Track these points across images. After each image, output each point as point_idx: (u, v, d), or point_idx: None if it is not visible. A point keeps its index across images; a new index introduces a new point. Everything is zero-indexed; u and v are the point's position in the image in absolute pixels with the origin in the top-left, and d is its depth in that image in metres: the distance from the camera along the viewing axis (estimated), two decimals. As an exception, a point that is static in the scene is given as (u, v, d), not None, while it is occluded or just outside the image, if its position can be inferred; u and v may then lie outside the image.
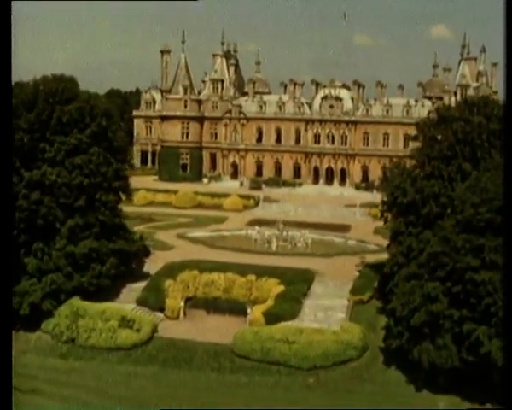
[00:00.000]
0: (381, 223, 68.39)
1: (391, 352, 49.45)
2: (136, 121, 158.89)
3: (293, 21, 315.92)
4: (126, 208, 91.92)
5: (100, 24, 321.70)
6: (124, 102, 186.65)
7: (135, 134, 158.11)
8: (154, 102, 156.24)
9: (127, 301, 60.64)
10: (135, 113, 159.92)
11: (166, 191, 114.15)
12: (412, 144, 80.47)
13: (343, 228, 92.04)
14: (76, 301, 57.56)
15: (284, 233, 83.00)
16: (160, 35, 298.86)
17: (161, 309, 60.00)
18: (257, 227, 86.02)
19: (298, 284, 61.14)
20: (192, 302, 61.65)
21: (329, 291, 61.75)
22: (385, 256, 62.46)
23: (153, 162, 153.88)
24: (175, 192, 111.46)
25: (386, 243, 65.48)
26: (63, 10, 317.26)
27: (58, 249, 58.71)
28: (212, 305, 61.44)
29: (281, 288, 60.19)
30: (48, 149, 59.92)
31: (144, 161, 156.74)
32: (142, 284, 63.15)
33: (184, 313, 60.48)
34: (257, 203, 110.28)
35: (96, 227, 60.36)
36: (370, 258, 70.96)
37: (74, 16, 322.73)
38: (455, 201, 47.82)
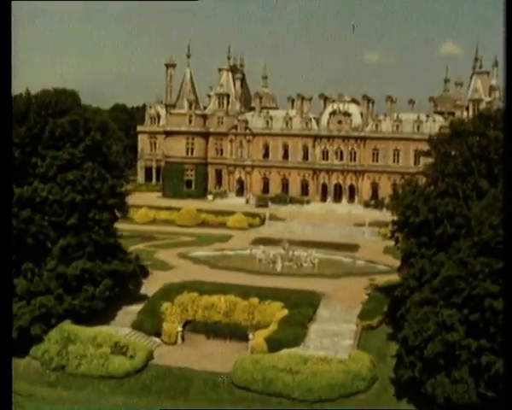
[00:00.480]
0: (390, 242, 65.07)
1: (402, 384, 45.80)
2: (140, 137, 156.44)
3: (301, 38, 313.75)
4: (127, 226, 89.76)
5: (107, 38, 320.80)
6: (129, 118, 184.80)
7: (139, 150, 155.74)
8: (159, 117, 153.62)
9: (122, 324, 57.60)
10: (139, 128, 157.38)
11: (169, 209, 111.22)
12: (424, 161, 77.39)
13: (351, 247, 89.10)
14: (67, 326, 54.30)
15: (290, 253, 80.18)
16: (168, 50, 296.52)
17: (158, 334, 56.84)
18: (261, 246, 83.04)
19: (303, 308, 57.90)
20: (191, 326, 58.73)
21: (336, 316, 58.37)
22: (395, 277, 59.37)
23: (157, 178, 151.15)
24: (178, 209, 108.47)
25: (396, 263, 62.65)
26: (68, 23, 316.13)
27: (49, 270, 55.81)
28: (212, 329, 58.40)
29: (285, 312, 57.11)
30: (39, 164, 57.17)
31: (148, 177, 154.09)
32: (138, 307, 60.10)
33: (182, 338, 57.32)
34: (263, 221, 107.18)
35: (90, 247, 57.30)
36: (380, 279, 67.81)
37: (81, 30, 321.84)
38: (471, 221, 44.38)
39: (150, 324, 56.99)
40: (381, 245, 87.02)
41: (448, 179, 51.92)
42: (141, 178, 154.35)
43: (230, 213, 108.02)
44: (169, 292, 61.44)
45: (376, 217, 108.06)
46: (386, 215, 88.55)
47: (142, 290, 63.95)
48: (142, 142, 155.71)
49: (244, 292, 60.32)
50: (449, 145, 55.04)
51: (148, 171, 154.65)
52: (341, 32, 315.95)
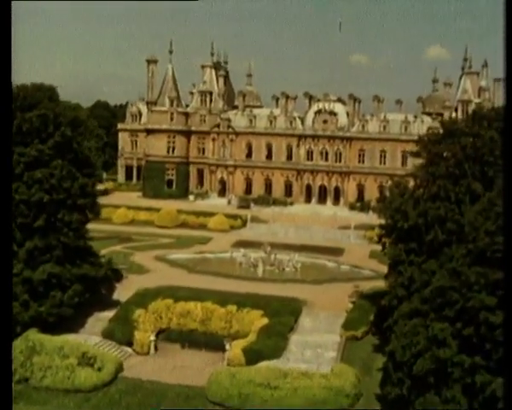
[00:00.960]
0: (376, 246, 61.96)
1: (389, 402, 42.40)
2: (121, 135, 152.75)
3: (288, 39, 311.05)
4: (104, 227, 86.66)
5: (97, 38, 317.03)
6: (111, 115, 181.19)
7: (119, 148, 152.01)
8: (140, 114, 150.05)
9: (92, 332, 54.26)
10: (120, 126, 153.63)
11: (149, 209, 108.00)
12: (412, 162, 74.47)
13: (336, 251, 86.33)
14: (33, 334, 50.55)
15: (272, 256, 77.08)
16: (154, 49, 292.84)
17: (130, 343, 53.43)
18: (242, 249, 79.99)
19: (284, 317, 54.74)
20: (165, 335, 55.54)
21: (319, 325, 55.22)
22: (381, 283, 56.43)
23: (138, 178, 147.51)
24: (158, 210, 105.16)
25: (382, 268, 60.16)
26: (60, 22, 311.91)
27: (14, 275, 51.88)
28: (187, 338, 55.27)
29: (264, 321, 53.95)
30: (5, 162, 53.44)
31: (129, 176, 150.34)
32: (110, 314, 56.75)
33: (156, 348, 53.87)
34: (244, 223, 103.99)
35: (58, 250, 53.77)
36: (365, 285, 64.80)
37: (73, 28, 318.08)
38: (465, 227, 41.19)
39: (122, 332, 53.62)
40: (367, 249, 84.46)
41: (439, 182, 48.71)
42: (121, 177, 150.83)
43: (211, 214, 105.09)
44: (143, 298, 58.10)
45: (362, 220, 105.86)
46: (372, 218, 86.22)
47: (115, 296, 60.56)
48: (123, 140, 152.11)
49: (222, 299, 57.21)
50: (440, 146, 51.95)
51: (128, 170, 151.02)
52: (329, 33, 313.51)
